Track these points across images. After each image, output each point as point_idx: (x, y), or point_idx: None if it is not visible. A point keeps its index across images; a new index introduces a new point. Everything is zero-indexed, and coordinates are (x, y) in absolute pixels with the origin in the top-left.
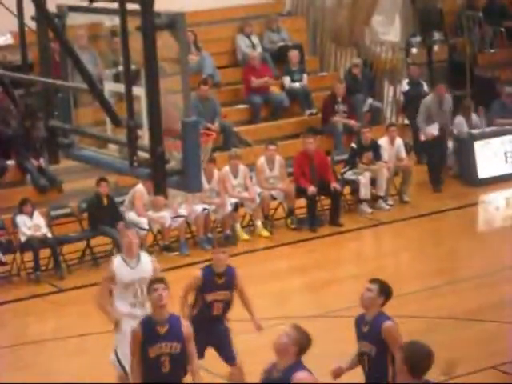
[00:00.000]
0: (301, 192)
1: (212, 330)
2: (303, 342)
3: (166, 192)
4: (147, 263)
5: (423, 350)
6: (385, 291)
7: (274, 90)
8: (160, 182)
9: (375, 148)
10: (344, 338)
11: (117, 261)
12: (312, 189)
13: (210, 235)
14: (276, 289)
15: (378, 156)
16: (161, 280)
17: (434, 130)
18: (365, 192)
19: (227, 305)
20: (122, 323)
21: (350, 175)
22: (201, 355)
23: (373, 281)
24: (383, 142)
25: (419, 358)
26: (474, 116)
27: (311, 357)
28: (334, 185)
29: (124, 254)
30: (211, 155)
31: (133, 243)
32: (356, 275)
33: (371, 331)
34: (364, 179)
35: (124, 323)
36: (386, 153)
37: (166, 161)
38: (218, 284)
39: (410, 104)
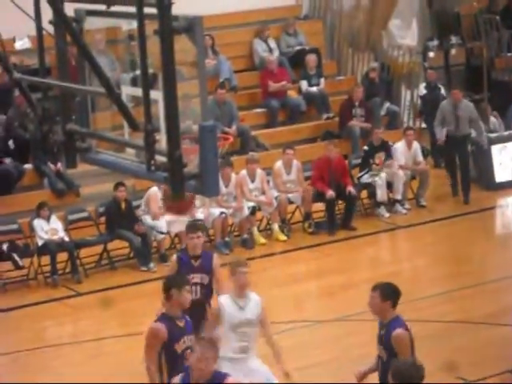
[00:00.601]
0: (319, 196)
1: (191, 316)
2: (390, 293)
3: (184, 196)
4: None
5: (413, 369)
6: (388, 294)
7: (291, 93)
8: (177, 186)
9: (386, 148)
10: (361, 342)
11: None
12: (330, 193)
13: (227, 239)
14: (293, 293)
15: (389, 156)
16: None
17: (442, 135)
18: (381, 194)
19: (206, 289)
20: None
21: (366, 179)
22: None
23: (374, 288)
24: (400, 145)
25: (410, 376)
26: (492, 119)
27: (327, 361)
28: (349, 188)
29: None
30: (228, 159)
31: (246, 283)
32: (373, 279)
33: (385, 336)
34: (380, 181)
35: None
36: (402, 156)
37: (183, 165)
38: (193, 266)
39: (427, 108)
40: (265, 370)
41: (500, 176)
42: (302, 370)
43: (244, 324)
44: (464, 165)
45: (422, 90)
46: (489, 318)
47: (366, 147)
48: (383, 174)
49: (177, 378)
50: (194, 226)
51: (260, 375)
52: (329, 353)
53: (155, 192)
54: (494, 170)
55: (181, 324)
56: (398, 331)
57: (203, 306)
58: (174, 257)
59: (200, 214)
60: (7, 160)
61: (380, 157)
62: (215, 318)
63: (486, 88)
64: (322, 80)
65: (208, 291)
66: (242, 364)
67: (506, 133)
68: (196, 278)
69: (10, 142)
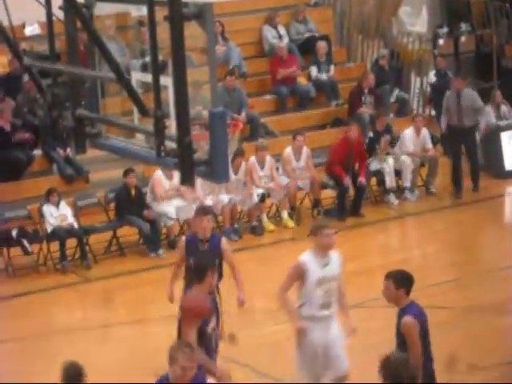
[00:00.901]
0: (335, 180)
1: None
2: (403, 281)
3: (194, 182)
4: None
5: (402, 363)
6: (402, 282)
7: (301, 80)
8: (187, 171)
9: (390, 132)
10: (374, 328)
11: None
12: (347, 180)
13: (236, 226)
14: None
15: (394, 139)
16: None
17: (445, 124)
18: (390, 181)
19: (217, 272)
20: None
21: (374, 166)
22: None
23: (387, 276)
24: (409, 132)
25: (399, 373)
26: (503, 107)
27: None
28: (361, 179)
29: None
30: (240, 147)
31: (332, 244)
32: (383, 266)
33: (397, 323)
34: (388, 168)
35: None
36: (411, 143)
37: (193, 151)
38: (201, 248)
39: (436, 95)
40: (342, 354)
41: (510, 163)
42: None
43: (327, 280)
44: (472, 154)
45: (432, 77)
46: (499, 306)
47: (370, 133)
48: (390, 160)
49: None
50: (203, 209)
51: (336, 361)
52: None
53: (159, 176)
54: (503, 157)
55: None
56: (406, 319)
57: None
58: (183, 239)
59: (209, 201)
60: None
61: (385, 140)
62: (298, 275)
63: (496, 75)
64: (332, 67)
65: (216, 275)
66: (325, 324)
67: None
68: None
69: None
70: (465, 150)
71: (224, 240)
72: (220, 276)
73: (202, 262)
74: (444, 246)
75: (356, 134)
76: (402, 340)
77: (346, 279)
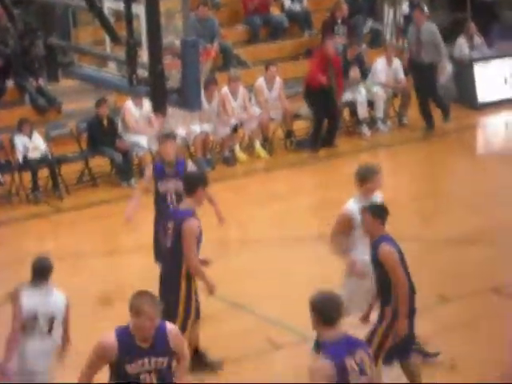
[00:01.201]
0: (315, 90)
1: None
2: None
3: (165, 111)
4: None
5: (332, 299)
6: (377, 212)
7: (274, 11)
8: (159, 100)
9: (360, 61)
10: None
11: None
12: (324, 79)
13: (209, 156)
14: (275, 210)
15: (365, 70)
16: None
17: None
18: (362, 111)
19: (181, 195)
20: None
21: (347, 96)
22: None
23: (363, 210)
24: (380, 61)
25: (329, 308)
26: (476, 39)
27: (309, 278)
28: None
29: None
30: (212, 76)
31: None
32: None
33: (372, 255)
34: (360, 97)
35: None
36: (383, 73)
37: (165, 79)
38: (167, 172)
39: (409, 27)
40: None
41: (482, 95)
42: (283, 287)
43: None
44: (431, 92)
45: (405, 8)
46: (468, 237)
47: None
48: (363, 90)
49: (111, 336)
50: (166, 135)
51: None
52: (310, 270)
53: (129, 105)
54: (476, 89)
55: None
56: (382, 246)
57: None
58: (150, 164)
59: (181, 131)
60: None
61: (355, 70)
62: (344, 223)
63: (470, 7)
64: None
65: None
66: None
67: (489, 52)
68: (171, 183)
69: None
70: (426, 85)
71: (190, 163)
72: None
73: (193, 175)
74: (415, 178)
75: (332, 48)
76: (380, 270)
77: (317, 209)
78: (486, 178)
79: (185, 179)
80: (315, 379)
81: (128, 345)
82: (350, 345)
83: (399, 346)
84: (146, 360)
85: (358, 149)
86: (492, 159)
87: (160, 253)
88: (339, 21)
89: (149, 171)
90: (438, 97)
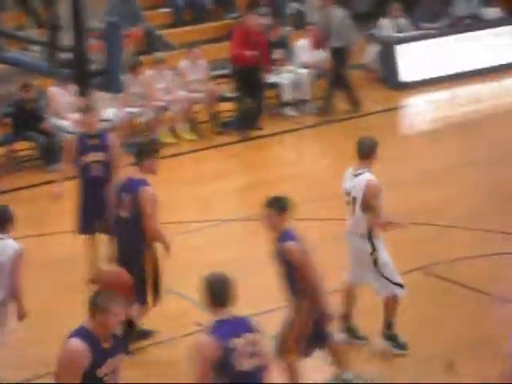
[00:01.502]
0: (242, 68)
1: (96, 193)
2: (285, 205)
3: (89, 93)
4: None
5: (222, 280)
6: (284, 206)
7: None
8: (83, 82)
9: (284, 45)
10: (266, 241)
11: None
12: (249, 54)
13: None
14: (201, 192)
15: (290, 53)
16: None
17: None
18: (287, 93)
19: (105, 167)
20: None
21: (271, 78)
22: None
23: (267, 205)
24: (302, 42)
25: (220, 289)
26: (401, 20)
27: (234, 259)
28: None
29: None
30: (136, 59)
31: None
32: (282, 177)
33: (278, 252)
34: (285, 80)
35: None
36: (306, 54)
37: (88, 61)
38: (91, 145)
39: (318, 11)
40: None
41: (405, 76)
42: (209, 268)
43: None
44: (340, 75)
45: None
46: (410, 215)
47: None
48: (286, 72)
49: (77, 343)
50: (87, 107)
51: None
52: (235, 252)
53: (55, 90)
54: (398, 69)
55: None
56: (287, 245)
57: (105, 183)
58: (71, 139)
59: (107, 114)
60: None
61: (278, 53)
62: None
63: None
64: None
65: (107, 169)
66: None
67: (413, 33)
68: (96, 156)
69: None
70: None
71: (112, 135)
72: (111, 171)
73: (144, 144)
74: (342, 158)
75: (252, 20)
76: (287, 267)
77: (243, 191)
78: (410, 158)
79: (136, 149)
80: (200, 357)
81: (95, 348)
82: (239, 326)
83: (315, 333)
84: (110, 361)
85: (283, 131)
86: (416, 138)
87: (90, 223)
88: (262, 1)
89: (70, 144)
90: (341, 80)
